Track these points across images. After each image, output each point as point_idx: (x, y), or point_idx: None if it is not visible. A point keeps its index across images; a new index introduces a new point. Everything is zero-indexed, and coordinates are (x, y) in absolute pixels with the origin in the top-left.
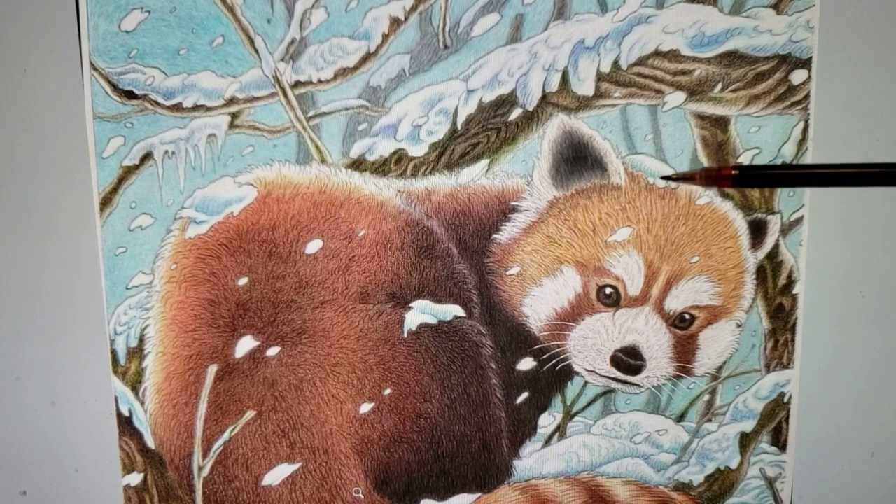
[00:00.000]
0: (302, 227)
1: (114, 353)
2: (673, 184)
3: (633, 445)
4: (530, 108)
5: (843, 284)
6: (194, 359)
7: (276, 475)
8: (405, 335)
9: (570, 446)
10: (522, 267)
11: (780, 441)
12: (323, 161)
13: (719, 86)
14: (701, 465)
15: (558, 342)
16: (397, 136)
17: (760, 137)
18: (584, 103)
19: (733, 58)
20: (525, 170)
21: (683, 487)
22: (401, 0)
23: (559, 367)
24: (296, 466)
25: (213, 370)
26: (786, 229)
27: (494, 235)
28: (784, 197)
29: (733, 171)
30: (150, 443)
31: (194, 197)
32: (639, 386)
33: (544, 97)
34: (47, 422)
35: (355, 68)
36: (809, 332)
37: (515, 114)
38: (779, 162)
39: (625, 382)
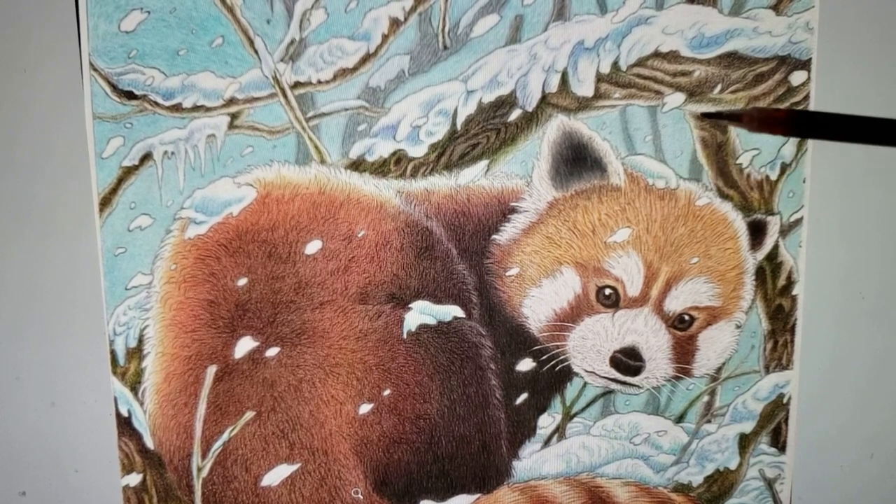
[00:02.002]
0: (301, 228)
1: (113, 354)
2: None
3: (633, 446)
4: (530, 109)
5: (843, 285)
6: (193, 359)
7: (275, 476)
8: (405, 336)
9: (570, 447)
10: (522, 268)
11: (779, 442)
12: (322, 162)
13: (719, 87)
14: (700, 465)
15: (558, 343)
16: (397, 137)
17: (760, 138)
18: (583, 104)
19: (733, 59)
20: (524, 171)
21: (683, 488)
22: (400, 1)
23: (558, 368)
24: (295, 467)
25: (212, 371)
26: (785, 230)
27: (494, 236)
28: (783, 198)
29: (785, 115)
30: (150, 443)
31: (194, 197)
32: (638, 387)
33: (544, 98)
34: (47, 422)
35: (355, 69)
36: (809, 333)
37: (515, 115)
38: (777, 164)
39: (624, 383)
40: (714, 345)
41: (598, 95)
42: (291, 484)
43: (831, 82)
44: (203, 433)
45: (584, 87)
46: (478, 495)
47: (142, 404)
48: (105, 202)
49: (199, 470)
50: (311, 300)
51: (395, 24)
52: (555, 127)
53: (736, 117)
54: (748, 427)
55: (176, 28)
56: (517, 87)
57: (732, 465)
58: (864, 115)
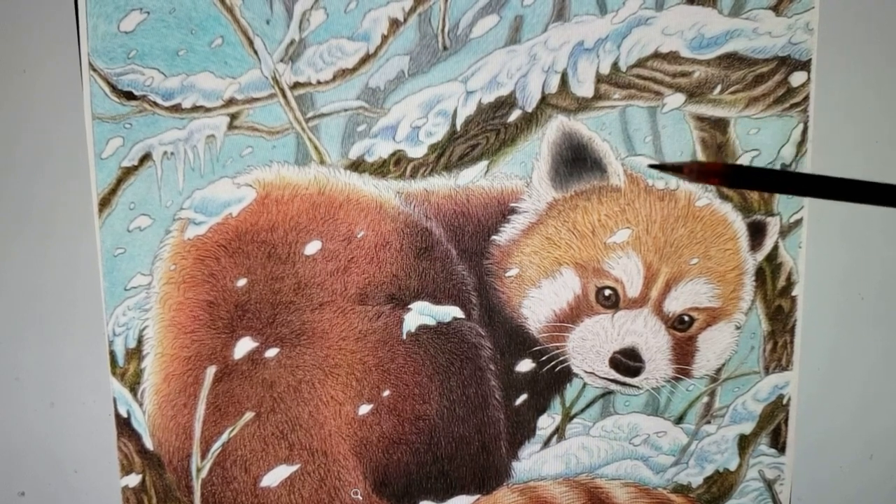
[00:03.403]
0: (301, 229)
1: (112, 354)
2: (659, 174)
3: (632, 447)
4: (529, 110)
5: (843, 286)
6: (193, 360)
7: (274, 476)
8: (404, 337)
9: (569, 448)
10: (521, 268)
11: (779, 443)
12: (322, 162)
13: (718, 87)
14: (700, 466)
15: (557, 344)
16: (396, 138)
17: (760, 139)
18: (583, 105)
19: (733, 59)
20: (524, 171)
21: (682, 489)
22: (400, 1)
23: (558, 368)
24: (294, 468)
25: (211, 371)
26: (785, 231)
27: (493, 237)
28: (783, 198)
29: (721, 168)
30: (149, 444)
31: (193, 198)
32: (637, 388)
33: (543, 99)
34: (46, 422)
35: (354, 69)
36: (808, 334)
37: (514, 115)
38: (777, 165)
39: (624, 384)
40: (714, 346)
41: (598, 96)
42: (291, 485)
43: (831, 83)
44: (202, 434)
45: (583, 87)
46: (477, 496)
47: (141, 405)
48: (104, 202)
49: (199, 471)
50: (311, 301)
51: (395, 24)
52: (554, 128)
53: (678, 169)
54: (748, 428)
55: (175, 28)
56: (517, 87)
57: (732, 466)
58: (791, 171)
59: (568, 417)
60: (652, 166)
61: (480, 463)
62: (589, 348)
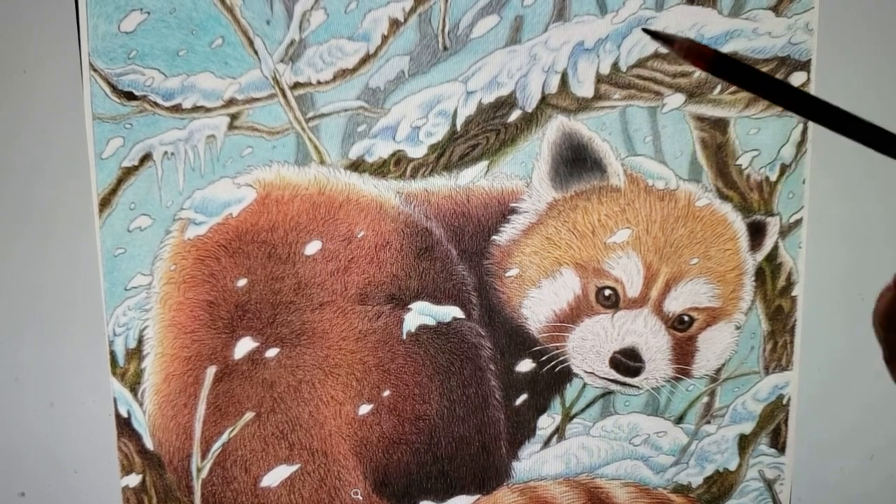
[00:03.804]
0: (301, 229)
1: (113, 355)
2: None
3: (632, 447)
4: (529, 110)
5: (843, 286)
6: (193, 360)
7: (274, 476)
8: (404, 337)
9: (569, 448)
10: (521, 268)
11: (779, 443)
12: (322, 162)
13: (718, 87)
14: (700, 466)
15: (557, 344)
16: (396, 138)
17: (759, 139)
18: (583, 105)
19: None
20: (524, 171)
21: (682, 489)
22: (400, 2)
23: (558, 368)
24: (294, 468)
25: (211, 371)
26: (785, 231)
27: (493, 237)
28: (783, 199)
29: (710, 53)
30: (149, 444)
31: (193, 198)
32: (638, 388)
33: (544, 99)
34: (46, 423)
35: (354, 70)
36: (809, 334)
37: (515, 115)
38: (777, 165)
39: (624, 384)
40: (714, 346)
41: (598, 96)
42: (291, 485)
43: (831, 83)
44: (203, 434)
45: (583, 87)
46: (477, 496)
47: (141, 405)
48: (105, 203)
49: (199, 471)
50: (311, 301)
51: (395, 24)
52: (554, 128)
53: (670, 41)
54: (748, 428)
55: (176, 29)
56: (517, 87)
57: (732, 466)
58: (777, 79)
59: (568, 417)
60: (645, 30)
61: (480, 463)
62: (589, 348)
